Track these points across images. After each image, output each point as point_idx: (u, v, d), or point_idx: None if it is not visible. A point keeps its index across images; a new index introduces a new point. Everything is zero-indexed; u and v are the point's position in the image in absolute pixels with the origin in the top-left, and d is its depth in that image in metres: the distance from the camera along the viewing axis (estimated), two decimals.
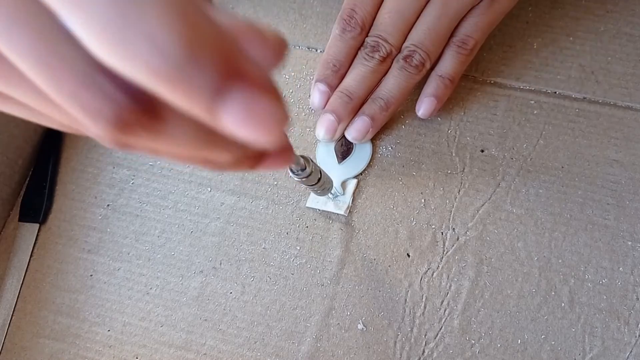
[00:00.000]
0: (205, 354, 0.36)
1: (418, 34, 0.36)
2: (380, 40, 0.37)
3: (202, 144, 0.15)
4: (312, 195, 0.38)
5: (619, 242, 0.35)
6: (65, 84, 0.12)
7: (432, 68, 0.38)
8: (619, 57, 0.40)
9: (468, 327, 0.35)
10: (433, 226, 0.37)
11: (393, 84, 0.37)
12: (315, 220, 0.38)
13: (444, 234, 0.37)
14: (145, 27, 0.11)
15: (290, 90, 0.41)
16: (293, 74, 0.42)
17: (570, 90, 0.39)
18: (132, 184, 0.41)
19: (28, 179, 0.42)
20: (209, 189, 0.40)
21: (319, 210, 0.38)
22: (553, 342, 0.34)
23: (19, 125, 0.41)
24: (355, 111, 0.38)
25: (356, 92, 0.37)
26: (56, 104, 0.14)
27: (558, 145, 0.38)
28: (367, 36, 0.37)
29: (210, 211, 0.39)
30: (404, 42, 0.37)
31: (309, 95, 0.41)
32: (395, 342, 0.35)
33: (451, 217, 0.37)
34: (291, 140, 0.40)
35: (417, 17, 0.37)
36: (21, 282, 0.39)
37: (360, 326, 0.35)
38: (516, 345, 0.34)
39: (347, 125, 0.38)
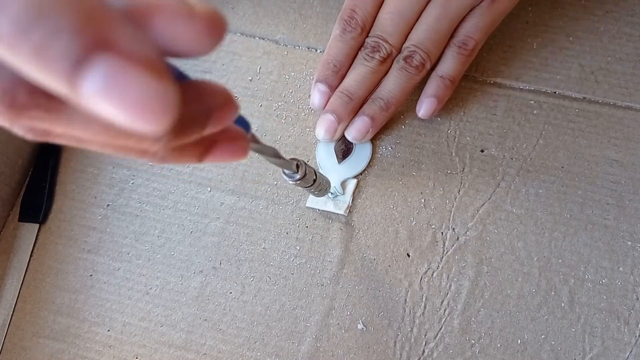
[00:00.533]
0: (205, 354, 0.36)
1: (418, 35, 0.36)
2: (380, 41, 0.37)
3: (116, 130, 0.13)
4: (312, 195, 0.38)
5: (619, 242, 0.35)
6: None
7: (433, 68, 0.38)
8: (619, 57, 0.40)
9: (468, 327, 0.35)
10: (433, 226, 0.37)
11: (393, 84, 0.37)
12: (315, 220, 0.38)
13: (443, 234, 0.37)
14: None
15: (290, 90, 0.41)
16: (293, 74, 0.42)
17: (570, 90, 0.39)
18: (132, 184, 0.41)
19: (28, 179, 0.42)
20: (209, 189, 0.40)
21: (318, 210, 0.38)
22: (553, 342, 0.34)
23: None
24: (356, 111, 0.38)
25: (356, 92, 0.37)
26: None
27: (558, 145, 0.38)
28: (367, 37, 0.37)
29: (210, 211, 0.39)
30: (404, 42, 0.37)
31: (309, 96, 0.41)
32: (395, 342, 0.35)
33: (451, 217, 0.37)
34: (292, 140, 0.40)
35: (418, 18, 0.37)
36: (21, 282, 0.39)
37: (360, 326, 0.35)
38: (516, 345, 0.34)
39: (347, 125, 0.38)
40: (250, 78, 0.42)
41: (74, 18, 0.10)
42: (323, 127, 0.37)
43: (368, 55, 0.37)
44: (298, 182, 0.29)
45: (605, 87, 0.39)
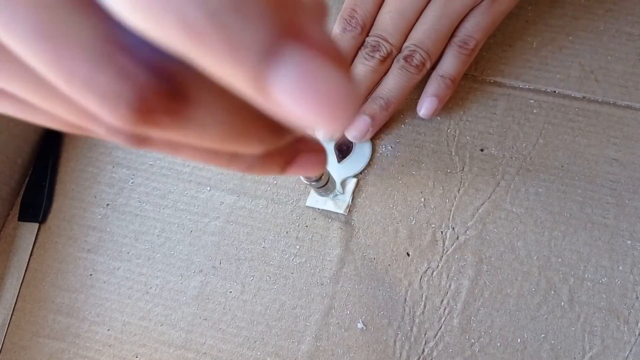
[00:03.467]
0: (205, 353, 0.36)
1: (419, 34, 0.36)
2: (380, 40, 0.37)
3: (233, 132, 0.12)
4: (312, 194, 0.38)
5: (619, 241, 0.35)
6: (78, 67, 0.10)
7: (433, 68, 0.38)
8: (619, 56, 0.40)
9: (468, 326, 0.35)
10: (433, 225, 0.37)
11: (393, 83, 0.37)
12: (315, 219, 0.38)
13: (443, 233, 0.37)
14: None
15: None
16: None
17: (569, 90, 0.39)
18: (132, 183, 0.41)
19: (28, 178, 0.42)
20: (209, 188, 0.40)
21: (318, 209, 0.38)
22: (553, 341, 0.34)
23: (19, 125, 0.41)
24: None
25: None
26: (63, 96, 0.12)
27: (557, 144, 0.38)
28: (367, 36, 0.37)
29: (210, 210, 0.39)
30: (404, 42, 0.37)
31: None
32: (395, 341, 0.35)
33: (451, 216, 0.37)
34: None
35: (418, 17, 0.37)
36: (21, 282, 0.39)
37: (360, 325, 0.35)
38: (516, 344, 0.34)
39: (348, 129, 0.38)
40: None
41: (269, 2, 0.09)
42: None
43: (368, 54, 0.37)
44: (313, 182, 0.29)
45: (605, 86, 0.39)
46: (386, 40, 0.37)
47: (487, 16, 0.37)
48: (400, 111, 0.40)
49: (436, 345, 0.35)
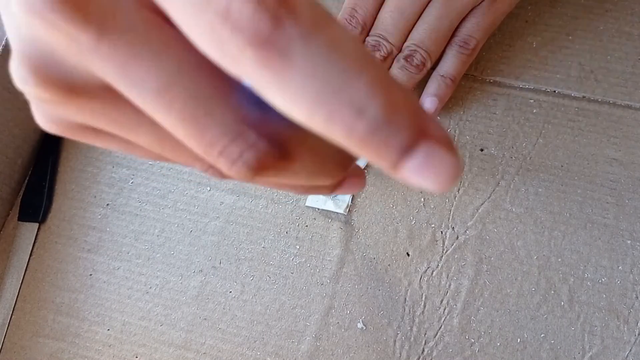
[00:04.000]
0: (205, 353, 0.36)
1: (419, 34, 0.37)
2: (381, 40, 0.37)
3: (318, 175, 0.16)
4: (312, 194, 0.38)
5: (619, 241, 0.35)
6: (207, 132, 0.13)
7: (433, 68, 0.38)
8: (618, 56, 0.40)
9: (468, 326, 0.35)
10: (432, 225, 0.37)
11: None
12: (315, 219, 0.38)
13: (443, 233, 0.37)
14: (350, 95, 0.11)
15: None
16: None
17: (569, 89, 0.39)
18: (132, 183, 0.41)
19: (27, 178, 0.42)
20: (208, 188, 0.40)
21: (318, 209, 0.38)
22: (552, 341, 0.34)
23: (19, 125, 0.41)
24: None
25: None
26: (178, 144, 0.14)
27: (557, 144, 0.38)
28: (367, 35, 0.37)
29: (210, 210, 0.39)
30: (404, 41, 0.37)
31: None
32: (394, 341, 0.35)
33: (450, 216, 0.37)
34: None
35: (419, 17, 0.37)
36: (21, 282, 0.39)
37: (359, 325, 0.35)
38: (516, 344, 0.34)
39: None
40: None
41: (410, 114, 0.12)
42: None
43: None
44: None
45: (605, 86, 0.39)
46: (386, 40, 0.37)
47: (487, 16, 0.37)
48: None
49: (436, 345, 0.35)
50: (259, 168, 0.14)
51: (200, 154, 0.14)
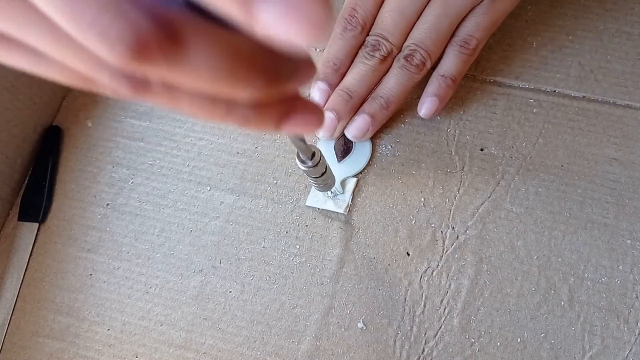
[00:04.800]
0: (204, 352, 0.36)
1: (419, 33, 0.36)
2: (381, 39, 0.37)
3: (224, 74, 0.14)
4: (312, 193, 0.38)
5: (619, 241, 0.35)
6: (86, 10, 0.12)
7: (434, 68, 0.38)
8: (618, 56, 0.40)
9: (468, 326, 0.35)
10: (433, 225, 0.37)
11: (394, 82, 0.37)
12: (315, 219, 0.38)
13: (443, 233, 0.37)
14: None
15: None
16: None
17: (569, 89, 0.39)
18: (132, 183, 0.41)
19: (27, 178, 0.42)
20: (208, 188, 0.40)
21: (318, 209, 0.38)
22: (553, 341, 0.34)
23: (19, 125, 0.41)
24: (356, 109, 0.38)
25: (356, 90, 0.37)
26: (71, 40, 0.14)
27: (557, 144, 0.38)
28: (367, 35, 0.37)
29: (210, 210, 0.39)
30: (404, 41, 0.37)
31: (309, 94, 0.41)
32: (395, 341, 0.35)
33: (451, 216, 0.37)
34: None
35: (418, 17, 0.37)
36: (21, 282, 0.39)
37: (360, 325, 0.35)
38: (516, 344, 0.34)
39: (347, 124, 0.38)
40: None
41: None
42: (322, 125, 0.37)
43: (368, 53, 0.37)
44: (311, 169, 0.30)
45: (605, 86, 0.39)
46: (386, 40, 0.37)
47: (488, 15, 0.37)
48: (400, 111, 0.40)
49: (436, 345, 0.35)
50: (142, 50, 0.13)
51: (84, 41, 0.13)
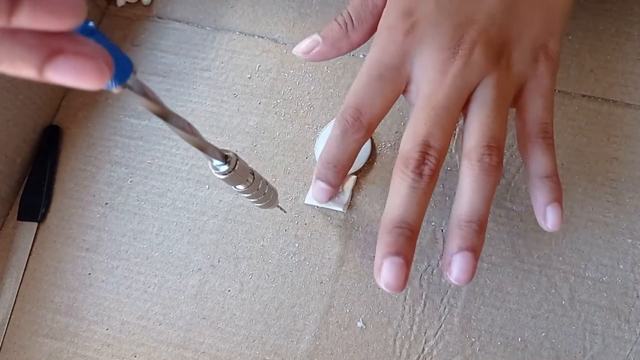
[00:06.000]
0: (203, 352, 0.36)
1: (483, 124, 0.29)
2: (425, 149, 0.29)
3: None
4: (311, 191, 0.38)
5: (619, 240, 0.35)
6: None
7: None
8: (618, 56, 0.40)
9: (468, 325, 0.34)
10: (433, 223, 0.37)
11: (477, 196, 0.29)
12: (314, 217, 0.38)
13: (443, 231, 0.36)
14: None
15: (289, 88, 0.41)
16: (292, 71, 0.42)
17: (569, 88, 0.39)
18: (130, 182, 0.41)
19: (26, 177, 0.42)
20: (207, 187, 0.40)
21: (317, 207, 0.38)
22: (553, 340, 0.34)
23: (18, 124, 0.41)
24: (415, 242, 0.29)
25: (416, 223, 0.29)
26: None
27: (557, 143, 0.38)
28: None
29: (208, 209, 0.39)
30: (449, 143, 0.30)
31: (308, 93, 0.41)
32: (394, 340, 0.35)
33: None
34: (290, 137, 0.40)
35: (462, 107, 0.30)
36: (20, 281, 0.39)
37: (359, 324, 0.35)
38: (516, 343, 0.34)
39: (447, 269, 0.29)
40: (249, 76, 0.42)
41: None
42: (393, 276, 0.28)
43: (414, 172, 0.28)
44: (225, 177, 0.26)
45: (605, 85, 0.39)
46: (432, 147, 0.29)
47: (547, 89, 0.31)
48: (400, 109, 0.40)
49: (436, 344, 0.34)
50: None
51: None
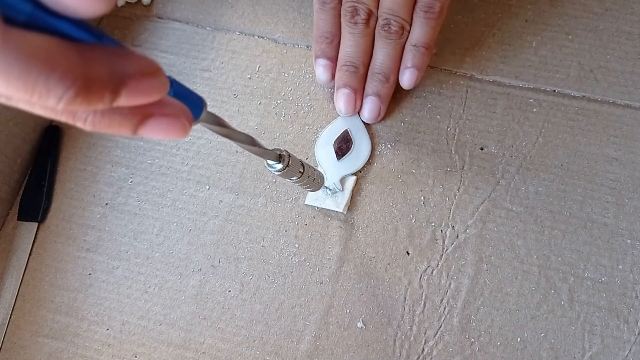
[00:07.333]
0: (204, 352, 0.36)
1: (387, 2, 0.37)
2: (356, 4, 0.37)
3: (26, 83, 0.15)
4: (311, 192, 0.38)
5: (618, 240, 0.35)
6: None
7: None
8: (618, 56, 0.40)
9: (468, 325, 0.35)
10: (433, 224, 0.37)
11: (382, 55, 0.38)
12: (314, 217, 0.38)
13: (443, 232, 0.37)
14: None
15: (289, 88, 0.41)
16: (292, 72, 0.42)
17: (569, 89, 0.39)
18: (131, 182, 0.41)
19: (27, 178, 0.42)
20: (207, 187, 0.40)
21: (317, 207, 0.38)
22: (552, 340, 0.34)
23: (18, 124, 0.41)
24: (364, 78, 0.39)
25: (357, 60, 0.38)
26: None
27: (557, 144, 0.38)
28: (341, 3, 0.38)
29: (209, 209, 0.39)
30: (377, 7, 0.38)
31: (308, 93, 0.41)
32: (394, 341, 0.35)
33: (451, 215, 0.37)
34: (290, 137, 0.40)
35: None
36: (20, 281, 0.39)
37: (359, 324, 0.35)
38: (516, 344, 0.34)
39: (360, 113, 0.39)
40: (249, 76, 0.42)
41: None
42: (342, 102, 0.38)
43: (350, 21, 0.37)
44: (280, 173, 0.29)
45: (605, 86, 0.39)
46: (361, 3, 0.37)
47: None
48: (400, 110, 0.40)
49: (436, 345, 0.34)
50: None
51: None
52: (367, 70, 0.39)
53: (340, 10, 0.38)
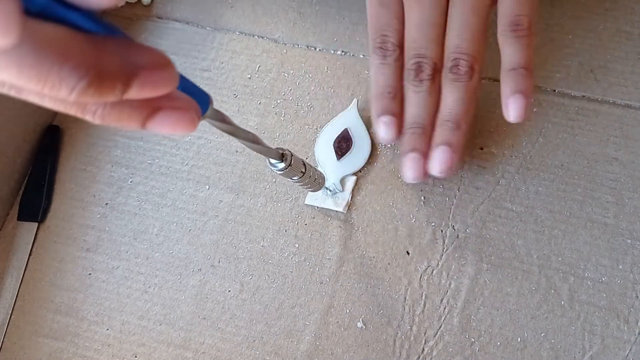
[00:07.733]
0: (204, 352, 0.36)
1: (453, 40, 0.34)
2: (420, 59, 0.34)
3: (36, 73, 0.15)
4: (311, 192, 0.38)
5: (619, 240, 0.35)
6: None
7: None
8: (618, 56, 0.40)
9: (468, 325, 0.35)
10: (433, 224, 0.37)
11: (452, 101, 0.34)
12: (314, 217, 0.38)
13: (443, 232, 0.37)
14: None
15: (289, 88, 0.41)
16: (292, 72, 0.42)
17: (569, 89, 0.39)
18: (131, 182, 0.41)
19: (27, 177, 0.42)
20: (207, 187, 0.40)
21: (317, 207, 0.38)
22: (553, 340, 0.34)
23: (18, 124, 0.41)
24: (431, 134, 0.34)
25: (425, 120, 0.34)
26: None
27: (557, 143, 0.38)
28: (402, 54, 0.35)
29: (209, 209, 0.39)
30: (443, 50, 0.34)
31: (308, 93, 0.41)
32: (394, 341, 0.35)
33: (451, 215, 0.37)
34: (290, 137, 0.40)
35: (446, 20, 0.34)
36: (20, 281, 0.39)
37: (359, 324, 0.35)
38: (516, 344, 0.34)
39: (430, 165, 0.34)
40: (249, 76, 0.42)
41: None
42: (411, 169, 0.33)
43: (415, 80, 0.34)
44: (282, 172, 0.29)
45: (605, 86, 0.39)
46: (425, 57, 0.34)
47: None
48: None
49: (436, 345, 0.34)
50: None
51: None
52: (432, 129, 0.34)
53: (402, 62, 0.35)
